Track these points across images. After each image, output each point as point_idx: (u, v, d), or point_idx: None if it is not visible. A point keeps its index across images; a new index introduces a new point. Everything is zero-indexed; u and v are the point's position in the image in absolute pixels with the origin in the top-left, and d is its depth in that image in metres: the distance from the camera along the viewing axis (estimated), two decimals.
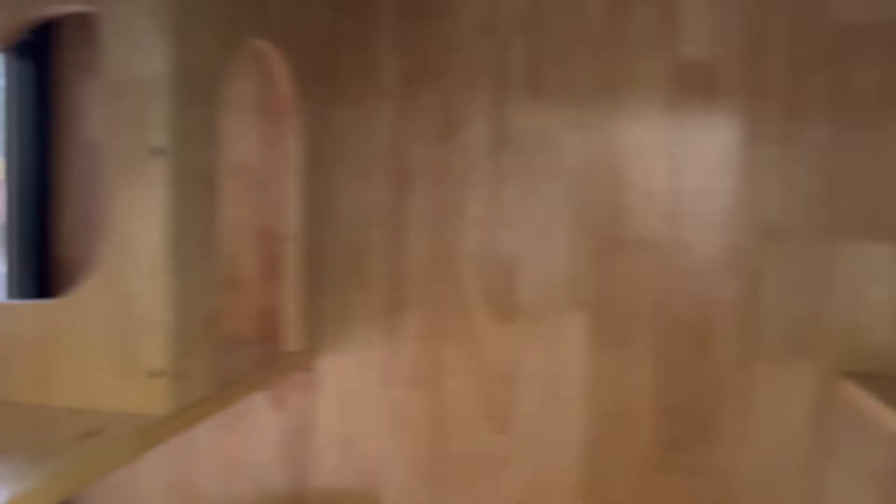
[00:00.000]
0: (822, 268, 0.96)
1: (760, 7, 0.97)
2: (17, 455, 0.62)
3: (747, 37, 0.97)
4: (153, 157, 0.71)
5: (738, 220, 0.99)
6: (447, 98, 1.06)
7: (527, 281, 1.05)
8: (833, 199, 0.96)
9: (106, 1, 0.71)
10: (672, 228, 1.00)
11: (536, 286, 1.04)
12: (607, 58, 1.01)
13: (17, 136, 1.10)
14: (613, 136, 1.02)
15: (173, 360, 0.74)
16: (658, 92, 1.00)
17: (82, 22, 1.12)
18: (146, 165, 0.72)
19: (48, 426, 0.69)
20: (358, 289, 1.10)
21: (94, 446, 0.65)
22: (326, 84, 1.09)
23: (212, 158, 0.80)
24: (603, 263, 1.02)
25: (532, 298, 1.05)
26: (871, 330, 0.95)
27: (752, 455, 0.99)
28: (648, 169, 1.01)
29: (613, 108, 1.01)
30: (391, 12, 1.07)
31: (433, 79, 1.06)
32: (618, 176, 1.02)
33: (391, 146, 1.08)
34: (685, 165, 1.00)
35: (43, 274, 1.14)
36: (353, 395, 1.11)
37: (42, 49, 1.12)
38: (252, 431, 1.13)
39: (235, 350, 1.03)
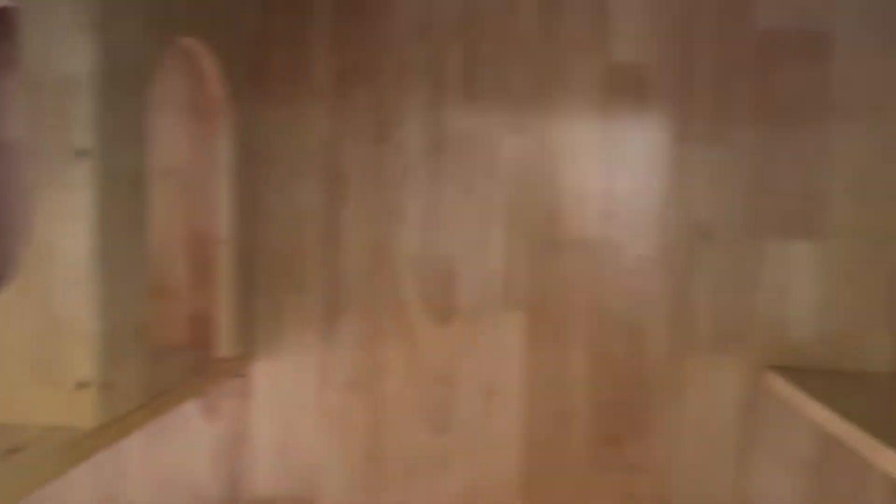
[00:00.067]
0: (749, 265, 1.00)
1: (688, 12, 1.00)
2: None
3: (676, 41, 1.00)
4: (77, 158, 0.68)
5: (669, 220, 1.01)
6: (382, 99, 1.05)
7: (464, 282, 1.05)
8: (758, 198, 0.99)
9: None
10: (606, 228, 1.02)
11: (474, 287, 1.05)
12: (541, 60, 1.03)
13: None
14: (548, 138, 1.03)
15: (101, 370, 0.71)
16: (591, 94, 1.02)
17: (1, 15, 1.06)
18: (70, 167, 0.68)
19: None
20: (292, 292, 1.08)
21: (17, 463, 0.61)
22: (258, 83, 1.06)
23: (140, 160, 0.77)
24: (539, 264, 1.03)
25: (470, 299, 1.05)
26: (794, 325, 0.99)
27: (685, 448, 1.02)
28: (582, 170, 1.03)
29: (548, 110, 1.03)
30: (325, 11, 1.05)
31: (368, 79, 1.05)
32: (553, 177, 1.03)
33: (325, 147, 1.07)
34: (618, 167, 1.02)
35: None
36: (288, 400, 1.09)
37: None
38: (184, 441, 1.10)
39: (166, 358, 0.99)
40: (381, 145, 1.06)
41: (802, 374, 0.96)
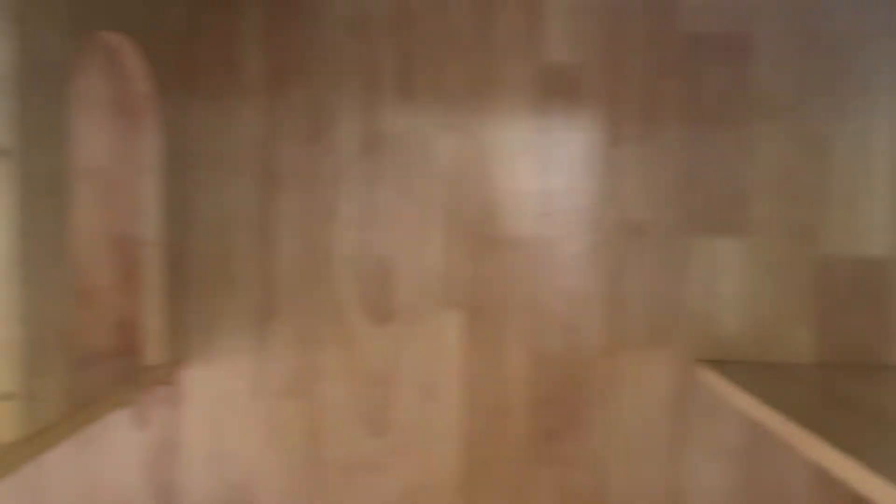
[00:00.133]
0: (678, 261, 1.03)
1: (618, 16, 1.02)
2: None
3: (607, 43, 1.02)
4: None
5: (602, 218, 1.03)
6: (316, 98, 1.04)
7: (402, 282, 1.04)
8: (686, 196, 1.02)
9: None
10: (541, 227, 1.04)
11: (412, 287, 1.04)
12: (475, 61, 1.03)
13: None
14: (484, 138, 1.03)
15: (23, 381, 0.67)
16: (525, 95, 1.03)
17: None
18: None
19: None
20: (225, 296, 1.05)
21: None
22: (186, 80, 1.03)
23: (61, 159, 0.73)
24: (476, 263, 1.04)
25: (408, 299, 1.04)
26: (721, 319, 1.03)
27: (620, 442, 1.04)
28: (518, 170, 1.03)
29: (483, 111, 1.03)
30: (256, 5, 1.03)
31: (301, 77, 1.04)
32: (489, 177, 1.04)
33: (258, 146, 1.04)
34: (552, 166, 1.03)
35: None
36: (222, 407, 1.06)
37: None
38: (113, 452, 1.05)
39: (92, 366, 0.95)
40: (315, 145, 1.04)
41: (730, 366, 0.99)
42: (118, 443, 1.06)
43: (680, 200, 1.03)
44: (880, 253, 1.01)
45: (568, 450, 1.05)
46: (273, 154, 1.04)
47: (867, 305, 1.02)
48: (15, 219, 0.65)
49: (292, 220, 1.04)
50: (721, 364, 1.00)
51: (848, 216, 1.01)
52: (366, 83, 1.04)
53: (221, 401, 1.06)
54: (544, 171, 1.03)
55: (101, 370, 0.94)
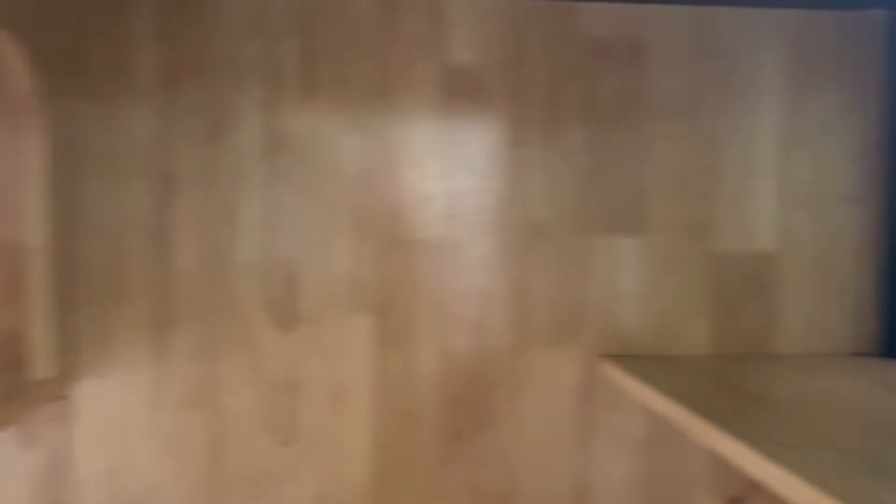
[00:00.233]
0: (581, 261, 1.05)
1: (520, 18, 1.04)
2: None
3: (510, 46, 1.04)
4: None
5: (508, 219, 1.04)
6: (214, 97, 1.00)
7: (308, 286, 1.02)
8: (587, 196, 1.05)
9: None
10: (448, 229, 1.04)
11: (318, 291, 1.02)
12: (380, 61, 1.02)
13: None
14: (390, 139, 1.03)
15: None
16: (430, 96, 1.03)
17: None
18: None
19: None
20: (119, 304, 1.00)
21: None
22: (74, 78, 0.98)
23: None
24: (384, 265, 1.03)
25: (314, 304, 1.02)
26: (622, 315, 1.06)
27: (528, 439, 1.06)
28: (424, 171, 1.03)
29: (388, 112, 1.03)
30: (147, 2, 0.99)
31: (198, 76, 1.00)
32: (395, 178, 1.03)
33: (152, 147, 1.00)
34: (458, 167, 1.04)
35: None
36: (118, 421, 1.01)
37: None
38: None
39: None
40: (213, 145, 1.01)
41: (632, 360, 1.02)
42: (2, 465, 0.99)
43: (581, 201, 1.05)
44: (769, 248, 1.07)
45: (478, 449, 1.05)
46: (169, 155, 1.00)
47: (757, 298, 1.07)
48: None
49: (190, 224, 1.01)
50: (623, 359, 1.03)
51: (738, 213, 1.06)
52: (267, 83, 1.01)
53: (117, 415, 1.01)
54: (450, 172, 1.04)
55: None
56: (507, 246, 1.05)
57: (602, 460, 1.07)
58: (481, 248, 1.04)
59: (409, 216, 1.03)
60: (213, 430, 1.02)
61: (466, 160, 1.04)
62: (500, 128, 1.04)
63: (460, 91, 1.03)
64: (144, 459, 1.01)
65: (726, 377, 0.93)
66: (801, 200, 1.07)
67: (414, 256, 1.03)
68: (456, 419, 1.05)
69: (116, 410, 1.00)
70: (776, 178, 1.07)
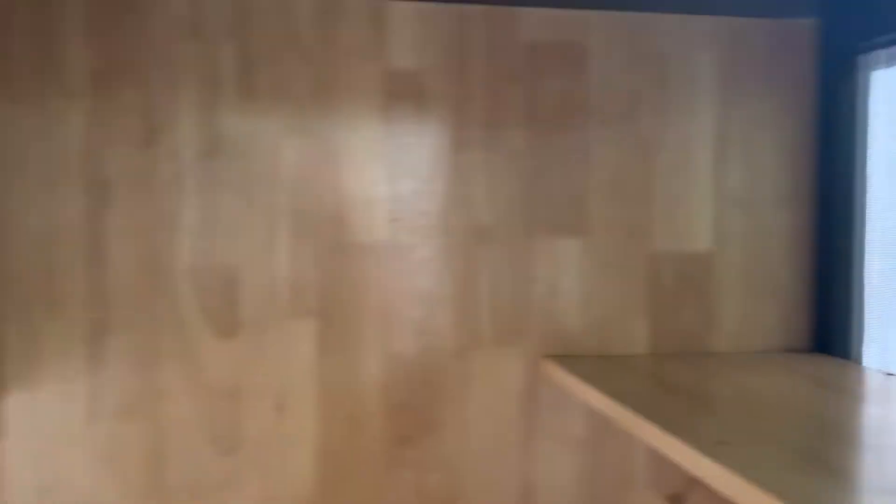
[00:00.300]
0: (523, 262, 1.06)
1: (461, 23, 1.04)
2: None
3: (451, 50, 1.04)
4: None
5: (451, 222, 1.05)
6: (149, 100, 0.98)
7: (249, 292, 1.01)
8: (529, 199, 1.06)
9: None
10: (392, 232, 1.03)
11: (260, 297, 1.01)
12: (320, 64, 1.01)
13: None
14: (331, 143, 1.02)
15: None
16: (371, 100, 1.03)
17: None
18: None
19: None
20: (50, 315, 0.97)
21: None
22: None
23: None
24: (327, 269, 1.02)
25: (256, 310, 1.01)
26: (565, 316, 1.07)
27: (473, 441, 1.06)
28: (367, 175, 1.03)
29: (329, 115, 1.02)
30: (78, 2, 0.96)
31: (132, 78, 0.97)
32: (337, 182, 1.02)
33: (84, 152, 0.97)
34: (401, 171, 1.04)
35: None
36: (50, 436, 0.97)
37: None
38: None
39: None
40: (149, 150, 0.98)
41: (574, 360, 1.04)
42: None
43: (524, 203, 1.06)
44: (704, 248, 1.10)
45: (423, 452, 1.05)
46: (101, 160, 0.97)
47: (694, 298, 1.10)
48: None
49: (125, 230, 0.98)
50: (566, 359, 1.04)
51: (675, 215, 1.09)
52: (204, 85, 0.99)
53: (50, 429, 0.97)
54: (393, 176, 1.03)
55: None
56: (451, 249, 1.05)
57: (546, 460, 1.08)
58: (425, 251, 1.04)
59: (351, 220, 1.03)
60: (151, 442, 0.99)
61: (409, 164, 1.04)
62: (442, 132, 1.04)
63: (402, 95, 1.03)
64: (79, 474, 0.98)
65: (665, 375, 0.95)
66: (734, 202, 1.10)
67: (357, 260, 1.03)
68: (401, 423, 1.04)
69: (49, 423, 0.97)
70: (711, 181, 1.10)
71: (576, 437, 1.08)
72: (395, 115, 1.03)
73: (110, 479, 0.98)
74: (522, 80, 1.05)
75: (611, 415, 0.83)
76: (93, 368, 0.97)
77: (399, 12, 1.03)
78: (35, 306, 0.96)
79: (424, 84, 1.03)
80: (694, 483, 1.07)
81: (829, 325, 1.09)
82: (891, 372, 0.97)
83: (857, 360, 1.05)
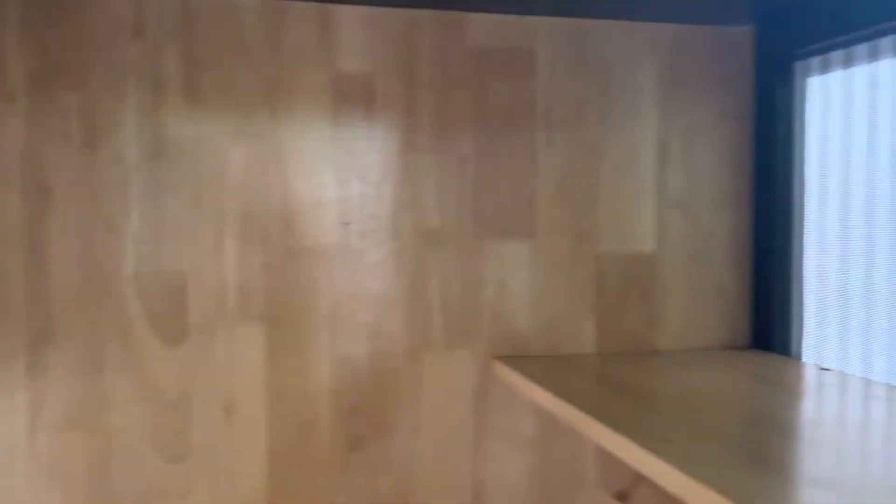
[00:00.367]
0: (473, 265, 1.07)
1: (409, 28, 1.04)
2: None
3: (399, 54, 1.04)
4: None
5: (401, 225, 1.05)
6: (91, 102, 0.96)
7: (196, 298, 0.99)
8: (478, 203, 1.07)
9: None
10: (342, 235, 1.03)
11: (207, 302, 0.99)
12: (267, 68, 1.01)
13: None
14: (279, 146, 1.01)
15: None
16: (319, 103, 1.02)
17: None
18: None
19: None
20: None
21: None
22: None
23: None
24: (276, 274, 1.01)
25: (203, 316, 0.99)
26: (514, 317, 1.09)
27: (425, 443, 1.07)
28: (316, 178, 1.02)
29: (277, 118, 1.01)
30: (15, 1, 0.93)
31: (72, 80, 0.95)
32: (286, 185, 1.01)
33: (22, 155, 0.94)
34: (350, 175, 1.03)
35: None
36: None
37: None
38: None
39: None
40: (92, 153, 0.96)
41: (524, 360, 1.05)
42: None
43: (472, 206, 1.07)
44: (648, 250, 1.12)
45: (375, 456, 1.05)
46: (40, 163, 0.95)
47: (638, 298, 1.12)
48: None
49: (67, 235, 0.95)
50: (515, 359, 1.06)
51: (619, 217, 1.11)
52: (148, 88, 0.97)
53: None
54: (342, 179, 1.03)
55: None
56: (401, 252, 1.05)
57: (496, 459, 1.09)
58: (375, 254, 1.04)
59: (301, 224, 1.02)
60: (96, 452, 0.97)
61: (359, 167, 1.04)
62: (391, 135, 1.04)
63: (351, 99, 1.03)
64: (21, 487, 0.95)
65: (612, 375, 0.97)
66: (676, 204, 1.13)
67: (307, 264, 1.02)
68: (352, 427, 1.04)
69: None
70: (654, 184, 1.12)
71: (526, 437, 1.10)
72: (343, 119, 1.03)
73: (54, 492, 0.96)
74: (471, 84, 1.06)
75: (559, 414, 0.85)
76: (35, 377, 0.95)
77: (347, 16, 1.03)
78: None
79: (373, 88, 1.04)
80: (640, 480, 1.10)
81: (769, 323, 1.12)
82: (825, 367, 1.01)
83: (796, 356, 1.09)
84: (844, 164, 1.02)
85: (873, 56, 0.96)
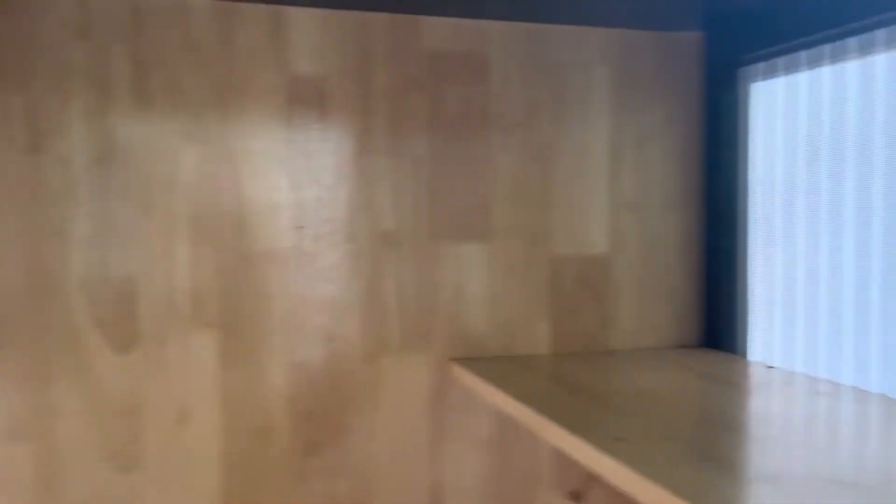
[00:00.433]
0: (429, 267, 1.07)
1: (363, 30, 1.04)
2: None
3: (353, 57, 1.04)
4: None
5: (357, 228, 1.05)
6: (35, 104, 0.93)
7: (147, 304, 0.97)
8: (433, 205, 1.07)
9: None
10: (296, 239, 1.02)
11: (158, 309, 0.98)
12: (218, 69, 0.99)
13: None
14: (232, 149, 1.00)
15: None
16: (273, 105, 1.01)
17: None
18: None
19: None
20: None
21: None
22: None
23: None
24: (230, 279, 1.00)
25: (154, 322, 0.98)
26: (470, 319, 1.09)
27: (382, 447, 1.06)
28: (269, 181, 1.01)
29: (229, 120, 1.00)
30: None
31: (16, 82, 0.93)
32: (239, 189, 1.00)
33: None
34: (304, 178, 1.03)
35: None
36: None
37: None
38: None
39: None
40: (36, 156, 0.94)
41: (480, 362, 1.06)
42: None
43: (427, 209, 1.07)
44: (601, 251, 1.14)
45: (332, 460, 1.05)
46: None
47: (592, 299, 1.14)
48: None
49: (10, 241, 0.93)
50: (472, 361, 1.06)
51: (573, 219, 1.13)
52: (95, 90, 0.95)
53: None
54: (297, 182, 1.02)
55: None
56: (357, 255, 1.05)
57: (454, 461, 1.09)
58: (330, 257, 1.04)
59: (254, 227, 1.01)
60: (43, 463, 0.95)
61: (313, 170, 1.03)
62: (346, 138, 1.04)
63: (304, 101, 1.02)
64: None
65: (566, 375, 0.99)
66: (628, 207, 1.15)
67: (260, 268, 1.01)
68: (308, 432, 1.04)
69: None
70: (606, 187, 1.14)
71: (482, 438, 1.10)
72: (297, 122, 1.02)
73: None
74: (425, 87, 1.06)
75: (515, 415, 0.86)
76: None
77: (299, 18, 1.02)
78: None
79: (327, 90, 1.03)
80: (593, 479, 1.11)
81: (717, 322, 1.15)
82: (772, 365, 1.04)
83: (743, 354, 1.12)
84: (788, 166, 1.05)
85: (814, 63, 0.99)
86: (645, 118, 1.15)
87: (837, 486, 0.58)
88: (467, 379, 1.01)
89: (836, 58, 0.96)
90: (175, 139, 0.98)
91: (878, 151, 0.91)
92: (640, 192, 1.15)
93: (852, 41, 0.93)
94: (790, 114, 1.04)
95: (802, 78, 1.02)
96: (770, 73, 1.07)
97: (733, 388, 0.92)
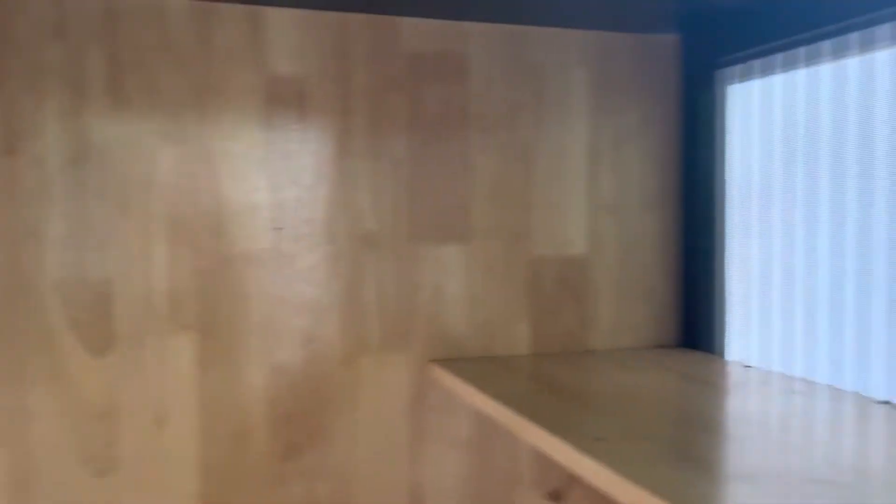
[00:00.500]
0: (409, 269, 1.07)
1: (341, 31, 1.04)
2: None
3: (332, 57, 1.03)
4: None
5: (337, 229, 1.04)
6: (9, 105, 0.92)
7: (124, 306, 0.96)
8: (413, 206, 1.07)
9: None
10: (275, 240, 1.02)
11: (135, 311, 0.97)
12: (196, 69, 0.98)
13: None
14: (210, 149, 0.99)
15: None
16: (251, 106, 1.01)
17: None
18: None
19: None
20: None
21: None
22: None
23: None
24: (207, 280, 0.99)
25: (131, 324, 0.96)
26: (450, 320, 1.09)
27: (362, 449, 1.06)
28: (248, 182, 1.01)
29: (207, 121, 0.99)
30: None
31: None
32: (217, 190, 0.99)
33: None
34: (283, 179, 1.02)
35: None
36: None
37: None
38: None
39: None
40: (11, 157, 0.92)
41: (460, 363, 1.06)
42: None
43: (407, 210, 1.07)
44: (580, 252, 1.15)
45: (311, 463, 1.04)
46: None
47: (571, 299, 1.14)
48: None
49: None
50: (452, 362, 1.06)
51: (552, 220, 1.13)
52: (71, 90, 0.94)
53: None
54: (275, 183, 1.02)
55: None
56: (336, 256, 1.04)
57: (434, 462, 1.09)
58: (309, 259, 1.03)
59: (232, 229, 1.00)
60: (17, 468, 0.93)
61: (292, 171, 1.02)
62: (325, 139, 1.04)
63: (283, 102, 1.02)
64: None
65: (546, 375, 0.99)
66: (607, 208, 1.16)
67: (239, 270, 1.00)
68: (287, 435, 1.03)
69: None
70: (585, 188, 1.15)
71: (462, 439, 1.10)
72: (276, 122, 1.02)
73: None
74: (404, 88, 1.06)
75: (495, 416, 0.86)
76: None
77: (278, 18, 1.01)
78: None
79: (306, 91, 1.03)
80: (573, 480, 1.12)
81: (695, 322, 1.16)
82: (749, 364, 1.05)
83: (721, 354, 1.13)
84: (764, 167, 1.06)
85: (789, 65, 1.00)
86: (623, 120, 1.16)
87: (813, 484, 0.59)
88: (447, 380, 1.01)
89: (811, 61, 0.97)
90: (152, 139, 0.97)
91: (852, 152, 0.92)
92: (619, 194, 1.16)
93: (827, 44, 0.94)
94: (766, 115, 1.05)
95: (778, 80, 1.03)
96: (746, 76, 1.08)
97: (711, 387, 0.93)
